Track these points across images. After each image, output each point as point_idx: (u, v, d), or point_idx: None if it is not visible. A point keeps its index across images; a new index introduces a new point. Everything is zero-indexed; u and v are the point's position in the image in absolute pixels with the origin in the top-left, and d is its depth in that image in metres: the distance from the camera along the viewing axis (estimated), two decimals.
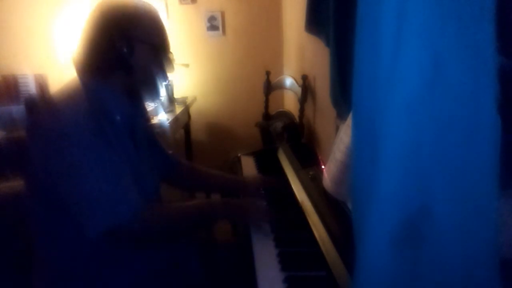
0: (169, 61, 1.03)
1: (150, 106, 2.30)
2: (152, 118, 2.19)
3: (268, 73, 2.26)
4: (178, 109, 2.57)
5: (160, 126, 2.12)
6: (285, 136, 1.86)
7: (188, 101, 2.82)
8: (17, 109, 2.30)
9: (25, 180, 0.96)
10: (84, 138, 0.85)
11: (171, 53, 1.04)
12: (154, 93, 1.03)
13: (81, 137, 0.85)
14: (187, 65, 2.78)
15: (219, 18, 2.91)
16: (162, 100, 2.49)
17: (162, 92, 1.04)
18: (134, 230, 0.91)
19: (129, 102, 1.00)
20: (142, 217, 0.91)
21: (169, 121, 2.23)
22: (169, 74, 1.04)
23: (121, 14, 0.94)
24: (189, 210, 1.04)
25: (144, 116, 1.15)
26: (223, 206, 1.09)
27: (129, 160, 0.96)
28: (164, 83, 1.03)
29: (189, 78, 3.02)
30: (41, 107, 0.95)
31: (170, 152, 1.30)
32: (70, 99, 0.92)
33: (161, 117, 2.27)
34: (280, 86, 2.23)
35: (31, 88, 2.62)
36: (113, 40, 0.92)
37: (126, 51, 0.93)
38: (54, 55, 2.81)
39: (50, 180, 0.87)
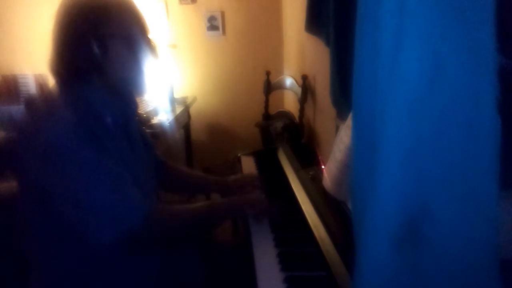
0: (151, 48, 0.97)
1: (149, 106, 2.31)
2: (152, 118, 2.19)
3: (268, 73, 2.26)
4: (178, 109, 2.57)
5: (160, 126, 2.12)
6: (285, 136, 1.86)
7: (188, 101, 2.82)
8: (17, 109, 2.31)
9: (20, 193, 0.92)
10: (78, 151, 0.82)
11: (150, 39, 0.97)
12: (140, 87, 0.99)
13: (75, 150, 0.82)
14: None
15: (219, 18, 2.91)
16: (162, 99, 2.49)
17: (149, 83, 1.00)
18: (144, 233, 0.89)
19: (117, 102, 0.96)
20: (151, 220, 0.90)
21: (169, 121, 2.23)
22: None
23: (87, 11, 0.88)
24: (197, 210, 1.03)
25: (136, 114, 1.11)
26: (227, 204, 1.11)
27: (127, 163, 0.93)
28: (149, 73, 0.98)
29: (189, 78, 3.02)
30: (29, 123, 0.89)
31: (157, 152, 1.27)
32: (56, 111, 0.87)
33: (161, 117, 2.27)
34: (280, 86, 2.23)
35: (31, 88, 2.62)
36: (83, 41, 0.87)
37: (99, 51, 0.88)
38: None
39: (49, 198, 0.84)
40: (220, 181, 1.33)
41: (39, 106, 0.90)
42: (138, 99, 1.11)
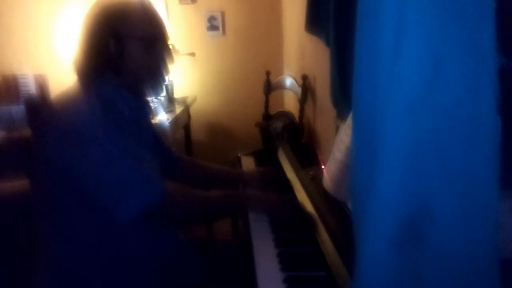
0: (168, 52, 1.03)
1: (151, 105, 2.31)
2: (152, 118, 2.19)
3: (268, 73, 2.26)
4: (178, 109, 2.57)
5: (160, 126, 2.12)
6: (285, 136, 1.86)
7: (188, 101, 2.81)
8: (17, 109, 2.30)
9: (34, 179, 0.96)
10: (102, 133, 0.88)
11: (169, 44, 1.03)
12: (154, 87, 1.04)
13: (99, 132, 0.88)
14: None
15: (219, 18, 2.91)
16: (163, 99, 2.49)
17: (163, 85, 1.07)
18: (165, 209, 0.95)
19: (131, 98, 1.01)
20: (172, 197, 0.96)
21: (169, 121, 2.23)
22: (170, 70, 1.05)
23: (109, 13, 0.96)
24: (218, 194, 1.10)
25: (147, 112, 1.16)
26: (253, 199, 1.16)
27: (140, 149, 0.98)
28: (165, 75, 1.05)
29: (189, 78, 3.02)
30: (50, 110, 0.96)
31: (173, 149, 1.32)
32: (77, 100, 0.95)
33: (161, 117, 2.27)
34: (280, 86, 2.23)
35: (31, 88, 2.62)
36: (103, 39, 0.94)
37: (115, 49, 0.95)
38: (54, 55, 2.81)
39: (72, 176, 0.88)
40: (239, 174, 1.39)
41: (62, 98, 0.96)
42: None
